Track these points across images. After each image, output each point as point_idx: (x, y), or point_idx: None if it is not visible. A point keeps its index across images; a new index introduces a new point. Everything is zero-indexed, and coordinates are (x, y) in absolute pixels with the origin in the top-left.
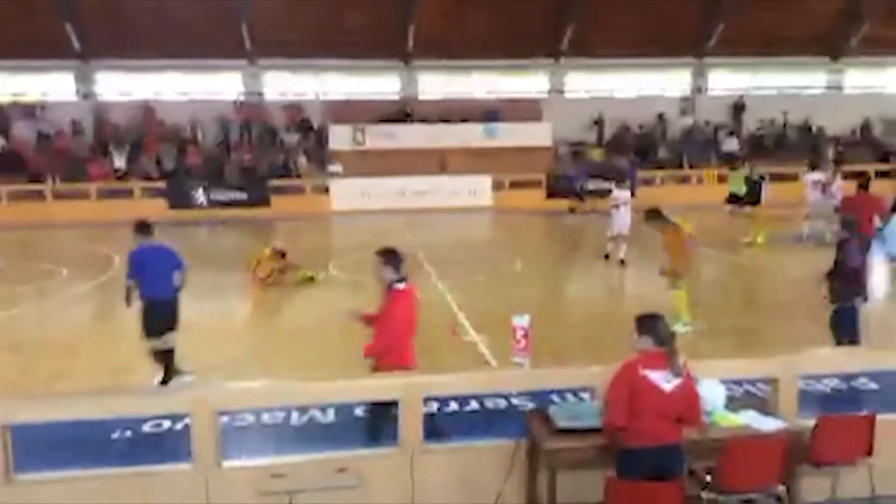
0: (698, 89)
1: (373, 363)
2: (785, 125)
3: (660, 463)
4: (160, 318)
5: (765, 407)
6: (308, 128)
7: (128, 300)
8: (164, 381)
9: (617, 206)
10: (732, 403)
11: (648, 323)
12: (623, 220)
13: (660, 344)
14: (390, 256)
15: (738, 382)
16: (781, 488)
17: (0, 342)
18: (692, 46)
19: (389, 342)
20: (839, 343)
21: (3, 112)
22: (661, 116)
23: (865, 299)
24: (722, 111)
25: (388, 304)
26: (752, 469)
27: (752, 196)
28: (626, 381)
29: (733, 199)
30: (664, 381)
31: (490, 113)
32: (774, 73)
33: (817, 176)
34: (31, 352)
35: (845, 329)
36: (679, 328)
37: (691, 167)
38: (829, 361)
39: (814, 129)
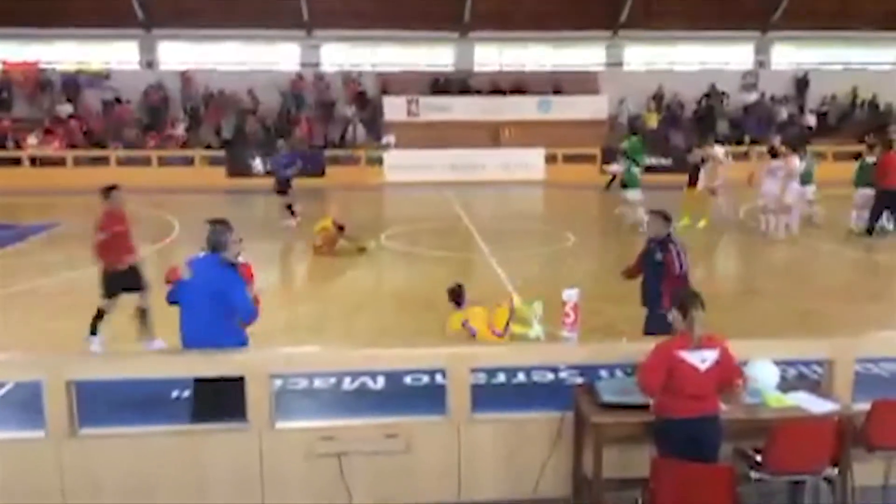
0: (761, 63)
1: None
2: (855, 102)
3: (698, 434)
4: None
5: (818, 389)
6: (364, 100)
7: None
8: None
9: None
10: (785, 384)
11: (677, 297)
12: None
13: (683, 317)
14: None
15: (792, 363)
16: (833, 471)
17: (66, 302)
18: (756, 19)
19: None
20: None
21: (71, 80)
22: (713, 92)
23: None
24: (784, 86)
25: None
26: (802, 451)
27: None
28: (660, 364)
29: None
30: (699, 360)
31: (546, 85)
32: (841, 48)
33: (777, 163)
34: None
35: None
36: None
37: (753, 143)
38: (888, 345)
39: (881, 106)
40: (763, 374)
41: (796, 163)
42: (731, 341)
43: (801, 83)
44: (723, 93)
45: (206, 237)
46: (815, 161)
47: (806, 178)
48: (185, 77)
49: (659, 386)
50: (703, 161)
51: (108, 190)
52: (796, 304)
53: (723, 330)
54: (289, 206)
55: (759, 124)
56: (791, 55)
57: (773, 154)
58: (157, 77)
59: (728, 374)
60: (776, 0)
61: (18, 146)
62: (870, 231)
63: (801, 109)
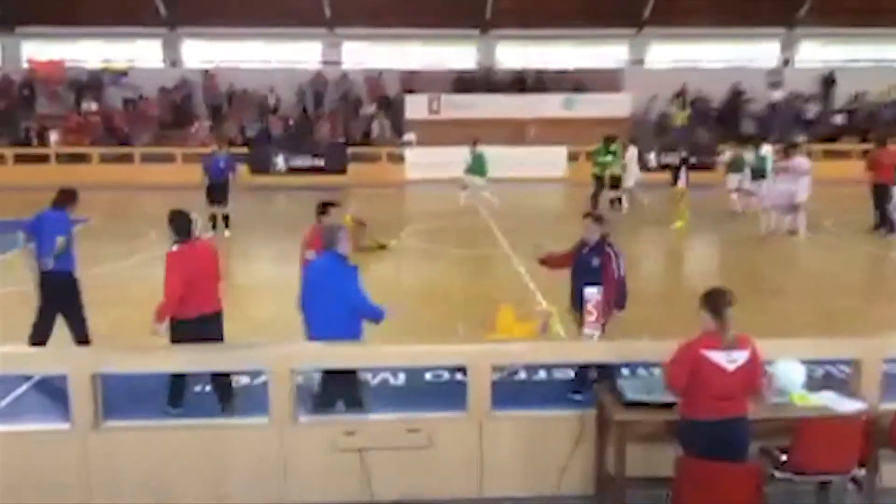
0: (786, 61)
1: None
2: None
3: (723, 436)
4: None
5: (845, 389)
6: (385, 98)
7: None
8: None
9: None
10: (812, 384)
11: (707, 297)
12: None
13: (714, 318)
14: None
15: (819, 363)
16: (860, 472)
17: (92, 297)
18: (782, 16)
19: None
20: None
21: (95, 78)
22: (734, 92)
23: None
24: (810, 84)
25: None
26: (829, 450)
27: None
28: (685, 362)
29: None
30: (727, 361)
31: (568, 83)
32: (870, 45)
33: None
34: (120, 307)
35: None
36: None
37: (778, 142)
38: None
39: None
40: (789, 373)
41: (803, 162)
42: (758, 341)
43: (828, 81)
44: (742, 92)
45: (325, 239)
46: (769, 157)
47: (757, 173)
48: (209, 75)
49: (684, 384)
50: (684, 161)
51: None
52: (820, 303)
53: (746, 330)
54: (226, 216)
55: (785, 122)
56: (817, 52)
57: (787, 153)
58: (181, 75)
59: (755, 377)
60: None
61: (43, 143)
62: (879, 226)
63: (828, 108)
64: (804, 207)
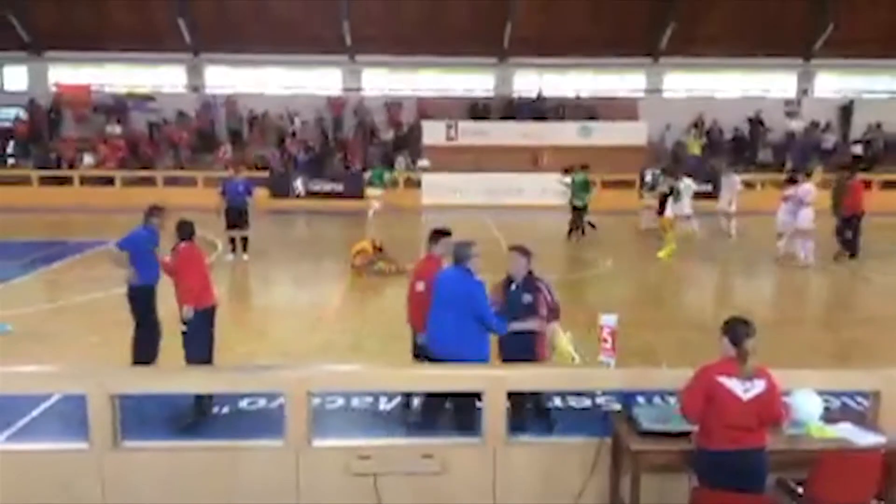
0: (804, 91)
1: None
2: None
3: (738, 468)
4: None
5: (863, 421)
6: (403, 125)
7: None
8: None
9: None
10: (829, 416)
11: (728, 324)
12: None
13: (735, 346)
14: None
15: (836, 394)
16: None
17: (110, 318)
18: (799, 46)
19: None
20: None
21: (120, 102)
22: (752, 120)
23: None
24: (827, 114)
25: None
26: (846, 484)
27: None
28: (700, 388)
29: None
30: (741, 389)
31: (584, 111)
32: (888, 76)
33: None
34: None
35: None
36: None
37: (794, 171)
38: None
39: None
40: (806, 404)
41: (808, 188)
42: (773, 371)
43: (846, 111)
44: (760, 122)
45: (452, 251)
46: (691, 184)
47: (677, 197)
48: (230, 101)
49: (700, 411)
50: (671, 190)
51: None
52: (837, 333)
53: (762, 360)
54: (245, 239)
55: (802, 153)
56: (835, 83)
57: (792, 180)
58: (203, 100)
59: (773, 408)
60: (819, 27)
61: (71, 166)
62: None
63: (846, 138)
64: (811, 235)
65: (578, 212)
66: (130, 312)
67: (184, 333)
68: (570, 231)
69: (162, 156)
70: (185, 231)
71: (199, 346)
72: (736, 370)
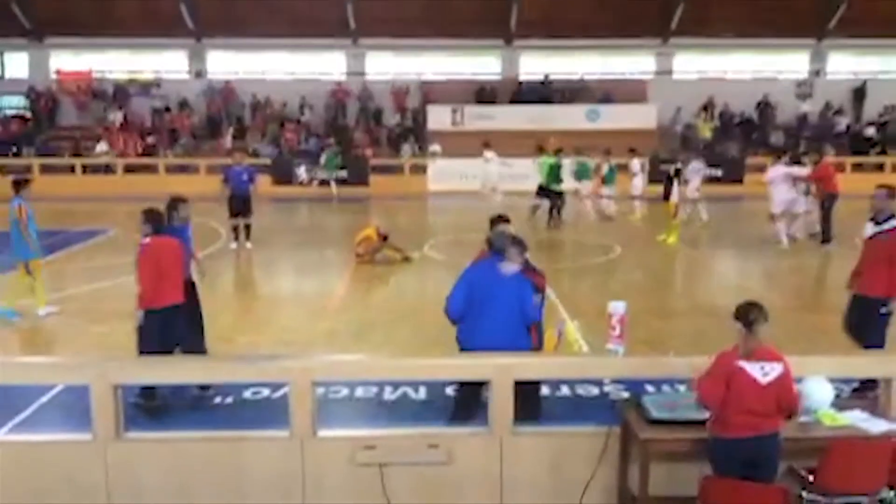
0: (816, 72)
1: None
2: None
3: (755, 453)
4: None
5: (875, 408)
6: (408, 109)
7: None
8: None
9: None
10: (840, 402)
11: (741, 308)
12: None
13: (749, 330)
14: None
15: (847, 381)
16: (889, 493)
17: (111, 308)
18: (811, 27)
19: None
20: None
21: (122, 88)
22: (761, 103)
23: None
24: (841, 96)
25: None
26: (858, 471)
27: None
28: (721, 374)
29: (541, 191)
30: (760, 373)
31: (593, 94)
32: None
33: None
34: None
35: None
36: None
37: (805, 154)
38: None
39: None
40: (817, 391)
41: (801, 171)
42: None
43: (859, 93)
44: (769, 104)
45: (491, 242)
46: (701, 166)
47: (608, 179)
48: (228, 87)
49: (720, 398)
50: (677, 173)
51: None
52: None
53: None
54: (248, 227)
55: (814, 135)
56: (848, 64)
57: (797, 161)
58: (206, 86)
59: (790, 392)
60: (832, 7)
61: (79, 154)
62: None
63: (858, 120)
64: (803, 217)
65: (552, 194)
66: None
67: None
68: (550, 217)
69: (165, 143)
70: (152, 222)
71: (147, 348)
72: (753, 354)
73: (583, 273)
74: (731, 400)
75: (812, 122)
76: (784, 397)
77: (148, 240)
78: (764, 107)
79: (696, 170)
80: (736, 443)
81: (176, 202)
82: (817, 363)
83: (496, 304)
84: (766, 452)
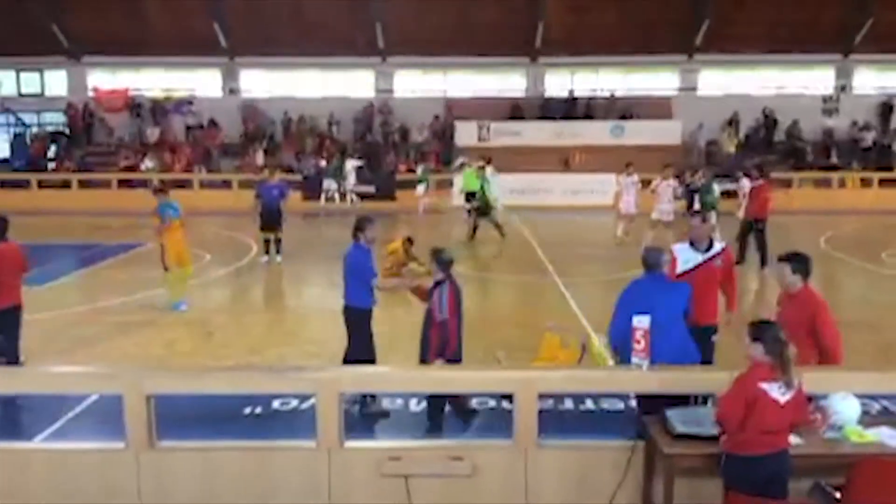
0: (842, 88)
1: None
2: None
3: (772, 469)
4: None
5: None
6: (436, 125)
7: None
8: None
9: None
10: (867, 419)
11: (760, 329)
12: None
13: (770, 353)
14: None
15: (874, 397)
16: None
17: (147, 319)
18: (837, 42)
19: None
20: None
21: (158, 106)
22: (767, 116)
23: None
24: (867, 111)
25: None
26: (885, 488)
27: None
28: (742, 397)
29: (469, 197)
30: (779, 393)
31: (618, 110)
32: None
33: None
34: (174, 329)
35: None
36: None
37: (833, 169)
38: None
39: None
40: (844, 407)
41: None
42: (810, 373)
43: (886, 108)
44: (774, 119)
45: (644, 258)
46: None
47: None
48: (262, 104)
49: (740, 419)
50: (701, 188)
51: None
52: (878, 335)
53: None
54: (278, 241)
55: (841, 150)
56: (874, 79)
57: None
58: (239, 103)
59: (804, 409)
60: (858, 22)
61: (107, 169)
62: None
63: (885, 134)
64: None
65: (478, 209)
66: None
67: None
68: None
69: (197, 159)
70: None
71: None
72: (775, 375)
73: (609, 286)
74: (751, 421)
75: (839, 137)
76: (800, 414)
77: None
78: (791, 124)
79: (630, 185)
80: (753, 460)
81: (363, 222)
82: (843, 379)
83: (669, 321)
84: (781, 468)
